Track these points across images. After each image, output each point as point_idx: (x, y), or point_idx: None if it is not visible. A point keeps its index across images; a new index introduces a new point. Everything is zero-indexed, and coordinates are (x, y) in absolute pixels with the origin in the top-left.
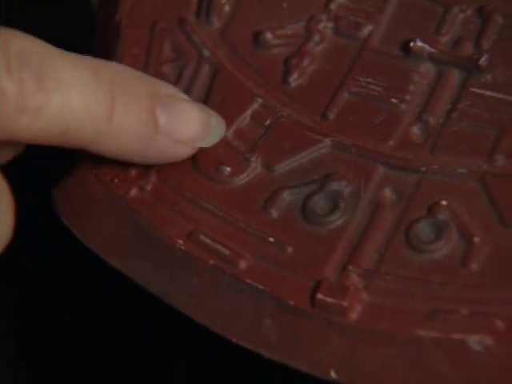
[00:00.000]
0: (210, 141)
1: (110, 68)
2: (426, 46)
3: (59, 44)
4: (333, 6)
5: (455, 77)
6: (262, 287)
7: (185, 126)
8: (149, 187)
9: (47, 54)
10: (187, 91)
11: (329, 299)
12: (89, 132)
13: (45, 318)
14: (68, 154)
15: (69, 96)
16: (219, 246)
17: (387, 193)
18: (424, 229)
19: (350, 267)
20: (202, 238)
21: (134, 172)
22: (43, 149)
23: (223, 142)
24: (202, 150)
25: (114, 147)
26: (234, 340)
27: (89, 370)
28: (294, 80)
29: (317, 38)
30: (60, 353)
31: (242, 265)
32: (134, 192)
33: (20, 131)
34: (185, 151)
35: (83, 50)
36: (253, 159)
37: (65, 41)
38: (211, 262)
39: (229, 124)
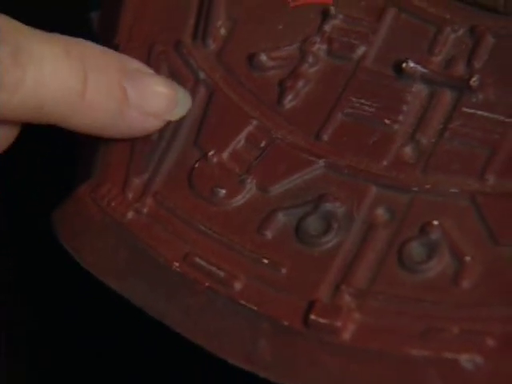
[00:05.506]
0: (177, 113)
1: (80, 44)
2: (418, 67)
3: None
4: (327, 28)
5: (447, 97)
6: (256, 308)
7: (153, 99)
8: (145, 210)
9: (22, 30)
10: None
11: (322, 320)
12: (63, 108)
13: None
14: (70, 170)
15: (43, 71)
16: (214, 268)
17: (380, 212)
18: (416, 249)
19: (343, 287)
20: (198, 260)
21: (130, 195)
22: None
23: (219, 164)
24: (198, 172)
25: (87, 122)
26: (229, 360)
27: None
28: (289, 102)
29: (311, 59)
30: (69, 351)
31: (237, 286)
32: (130, 215)
33: None
34: (154, 124)
35: None
36: (248, 181)
37: None
38: (206, 283)
39: (224, 146)
